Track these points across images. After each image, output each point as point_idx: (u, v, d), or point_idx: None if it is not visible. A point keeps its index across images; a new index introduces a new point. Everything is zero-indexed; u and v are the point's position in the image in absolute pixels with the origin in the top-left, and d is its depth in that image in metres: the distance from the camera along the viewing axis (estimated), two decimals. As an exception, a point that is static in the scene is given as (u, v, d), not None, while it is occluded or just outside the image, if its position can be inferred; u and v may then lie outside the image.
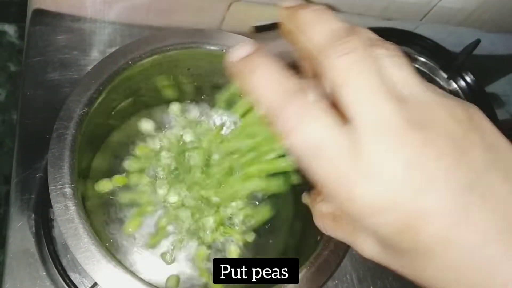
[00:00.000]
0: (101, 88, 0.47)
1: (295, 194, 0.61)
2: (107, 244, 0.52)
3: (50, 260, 0.51)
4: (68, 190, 0.42)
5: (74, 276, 0.51)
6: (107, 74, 0.48)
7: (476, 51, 0.79)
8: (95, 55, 0.63)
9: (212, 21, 0.72)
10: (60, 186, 0.42)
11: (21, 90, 0.59)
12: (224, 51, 0.52)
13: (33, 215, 0.54)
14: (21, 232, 0.53)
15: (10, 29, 0.81)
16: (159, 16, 0.68)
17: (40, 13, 0.64)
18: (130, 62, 0.49)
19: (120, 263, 0.42)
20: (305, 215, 0.59)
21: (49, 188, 0.42)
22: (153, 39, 0.51)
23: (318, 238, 0.50)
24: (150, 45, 0.50)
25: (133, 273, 0.42)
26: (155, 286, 0.41)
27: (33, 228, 0.53)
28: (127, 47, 0.50)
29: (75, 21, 0.65)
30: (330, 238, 0.48)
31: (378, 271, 0.63)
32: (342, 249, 0.48)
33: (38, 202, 0.54)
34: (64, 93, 0.60)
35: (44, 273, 0.52)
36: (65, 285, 0.50)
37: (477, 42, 0.78)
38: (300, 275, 0.46)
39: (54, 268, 0.51)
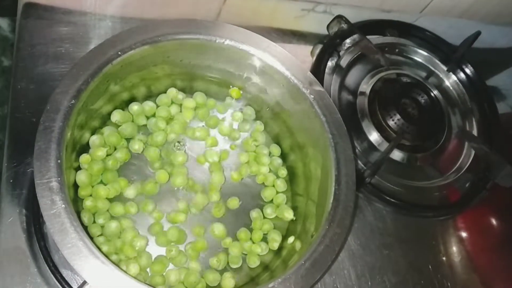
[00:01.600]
0: (89, 80, 0.46)
1: (291, 192, 0.61)
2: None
3: (41, 256, 0.50)
4: (54, 184, 0.41)
5: (66, 273, 0.50)
6: (95, 65, 0.46)
7: (477, 43, 0.78)
8: (88, 48, 0.62)
9: (208, 13, 0.71)
10: (46, 180, 0.41)
11: (12, 84, 0.58)
12: (217, 41, 0.51)
13: (24, 211, 0.53)
14: (11, 228, 0.52)
15: (3, 23, 0.80)
16: (154, 9, 0.67)
17: (31, 6, 0.63)
18: (119, 52, 0.48)
19: (108, 259, 0.40)
20: (301, 211, 0.58)
21: (35, 182, 0.41)
22: (144, 29, 0.49)
23: (313, 233, 0.49)
24: (140, 36, 0.49)
25: (121, 269, 0.40)
26: (143, 282, 0.40)
27: (24, 224, 0.52)
28: (116, 37, 0.48)
29: (67, 14, 0.63)
30: (325, 234, 0.47)
31: (376, 267, 0.62)
32: (338, 244, 0.47)
33: (29, 198, 0.53)
34: (56, 86, 0.58)
35: (35, 269, 0.51)
36: (56, 282, 0.49)
37: (477, 34, 0.77)
38: (295, 270, 0.45)
39: (45, 265, 0.49)
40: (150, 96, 0.60)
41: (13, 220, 0.52)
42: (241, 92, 0.61)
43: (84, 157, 0.53)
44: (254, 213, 0.58)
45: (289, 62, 0.54)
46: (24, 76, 0.59)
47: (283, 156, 0.63)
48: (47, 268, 0.49)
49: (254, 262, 0.55)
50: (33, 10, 0.62)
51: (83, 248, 0.40)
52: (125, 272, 0.41)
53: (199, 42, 0.52)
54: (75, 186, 0.53)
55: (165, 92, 0.60)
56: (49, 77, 0.59)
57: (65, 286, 0.48)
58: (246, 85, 0.60)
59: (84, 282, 0.43)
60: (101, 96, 0.51)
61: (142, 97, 0.60)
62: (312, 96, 0.53)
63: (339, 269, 0.61)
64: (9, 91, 0.59)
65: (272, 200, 0.59)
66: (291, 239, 0.55)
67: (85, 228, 0.52)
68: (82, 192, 0.52)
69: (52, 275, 0.49)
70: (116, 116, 0.56)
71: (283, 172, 0.61)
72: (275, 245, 0.56)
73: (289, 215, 0.57)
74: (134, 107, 0.58)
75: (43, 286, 0.50)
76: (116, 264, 0.41)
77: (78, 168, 0.53)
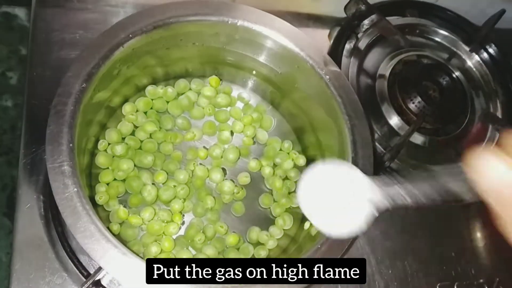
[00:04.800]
0: (100, 63, 0.45)
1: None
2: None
3: (59, 242, 0.50)
4: (66, 168, 0.41)
5: (83, 258, 0.50)
6: (106, 48, 0.46)
7: (501, 23, 0.75)
8: (102, 34, 0.62)
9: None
10: (58, 164, 0.41)
11: (28, 71, 0.59)
12: (229, 22, 0.50)
13: (41, 197, 0.53)
14: (29, 214, 0.52)
15: (20, 12, 0.80)
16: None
17: (46, -6, 0.63)
18: (130, 35, 0.47)
19: (121, 243, 0.40)
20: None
21: (47, 166, 0.41)
22: (155, 11, 0.49)
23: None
24: (151, 18, 0.48)
25: (134, 252, 0.40)
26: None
27: (42, 210, 0.53)
28: (127, 20, 0.48)
29: (81, 1, 0.63)
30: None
31: (398, 253, 0.61)
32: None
33: (46, 183, 0.53)
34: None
35: (53, 255, 0.51)
36: (74, 267, 0.49)
37: (502, 12, 0.74)
38: (310, 255, 0.44)
39: (63, 250, 0.50)
40: (166, 80, 0.60)
41: (31, 206, 0.52)
42: (221, 81, 0.61)
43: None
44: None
45: (304, 42, 0.53)
46: (40, 63, 0.59)
47: (298, 139, 0.62)
48: (65, 253, 0.50)
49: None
50: (47, -3, 0.63)
51: (96, 232, 0.40)
52: (137, 254, 0.41)
53: (211, 24, 0.51)
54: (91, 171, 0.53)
55: (180, 76, 0.60)
56: (65, 63, 0.59)
57: (82, 271, 0.48)
58: (260, 66, 0.59)
59: (100, 268, 0.43)
60: (114, 80, 0.51)
61: (158, 81, 0.60)
62: (327, 76, 0.52)
63: (359, 255, 0.60)
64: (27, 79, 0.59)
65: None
66: (307, 225, 0.54)
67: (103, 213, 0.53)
68: (104, 179, 0.53)
69: (69, 261, 0.49)
70: (127, 108, 0.56)
71: (298, 158, 0.60)
72: (286, 227, 0.56)
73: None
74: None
75: (61, 271, 0.51)
76: (128, 247, 0.41)
77: (93, 152, 0.53)
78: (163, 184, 0.55)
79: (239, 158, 0.59)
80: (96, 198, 0.51)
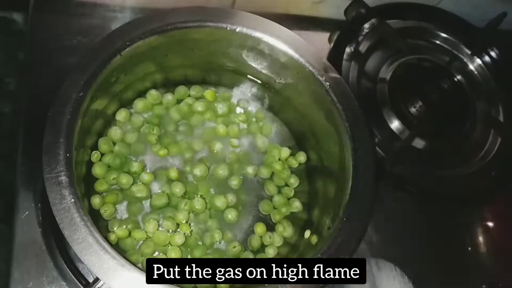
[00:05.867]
0: (98, 71, 0.45)
1: (308, 184, 0.59)
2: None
3: (57, 250, 0.50)
4: (63, 178, 0.41)
5: (81, 267, 0.50)
6: (104, 56, 0.45)
7: (503, 25, 0.75)
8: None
9: (222, 1, 0.69)
10: (55, 174, 0.41)
11: (26, 77, 0.58)
12: (228, 28, 0.50)
13: (39, 205, 0.52)
14: (27, 222, 0.52)
15: (18, 17, 0.80)
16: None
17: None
18: (128, 43, 0.47)
19: (118, 254, 0.40)
20: (317, 204, 0.57)
21: (44, 176, 0.41)
22: (153, 18, 0.48)
23: (330, 226, 0.48)
24: (149, 25, 0.48)
25: (132, 263, 0.40)
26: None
27: (40, 218, 0.52)
28: (125, 27, 0.48)
29: (80, 6, 0.63)
30: (342, 227, 0.46)
31: (398, 259, 0.61)
32: (356, 237, 0.46)
33: (44, 191, 0.52)
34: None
35: (52, 263, 0.51)
36: (72, 276, 0.49)
37: (503, 15, 0.74)
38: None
39: (61, 259, 0.49)
40: (165, 86, 0.59)
41: (29, 214, 0.52)
42: (217, 94, 0.60)
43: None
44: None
45: (303, 49, 0.53)
46: (38, 69, 0.59)
47: (298, 146, 0.61)
48: (63, 262, 0.49)
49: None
50: (45, 3, 0.62)
51: (93, 243, 0.40)
52: (136, 265, 0.40)
53: (210, 30, 0.51)
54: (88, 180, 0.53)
55: (180, 83, 0.59)
56: (64, 69, 0.58)
57: (81, 279, 0.48)
58: (260, 72, 0.59)
59: (97, 278, 0.42)
60: (111, 87, 0.50)
61: (157, 88, 0.59)
62: (327, 83, 0.52)
63: (359, 260, 0.59)
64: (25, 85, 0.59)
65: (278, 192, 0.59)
66: (307, 233, 0.53)
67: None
68: (99, 188, 0.52)
69: (68, 269, 0.49)
70: (121, 115, 0.56)
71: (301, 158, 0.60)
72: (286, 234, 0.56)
73: (297, 207, 0.57)
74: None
75: (59, 280, 0.50)
76: (127, 257, 0.40)
77: (90, 161, 0.53)
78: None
79: (231, 171, 0.58)
80: (101, 211, 0.51)
